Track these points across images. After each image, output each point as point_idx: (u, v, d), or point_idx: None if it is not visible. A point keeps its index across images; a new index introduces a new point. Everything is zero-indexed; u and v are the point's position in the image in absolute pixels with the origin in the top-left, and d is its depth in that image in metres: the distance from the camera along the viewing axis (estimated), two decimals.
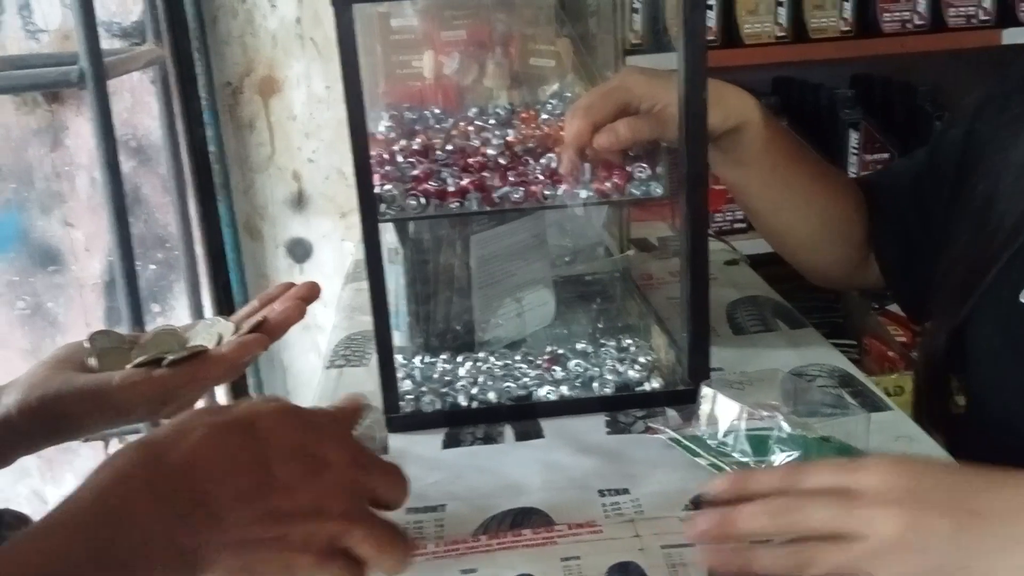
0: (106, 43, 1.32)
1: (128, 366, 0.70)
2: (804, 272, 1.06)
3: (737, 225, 1.76)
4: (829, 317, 1.67)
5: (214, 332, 0.75)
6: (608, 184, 0.83)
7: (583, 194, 0.83)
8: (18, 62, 1.55)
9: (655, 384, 0.88)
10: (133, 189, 1.67)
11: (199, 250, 1.67)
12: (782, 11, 1.66)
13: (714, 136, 0.88)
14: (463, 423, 0.86)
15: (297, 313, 0.77)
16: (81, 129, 1.65)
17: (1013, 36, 1.70)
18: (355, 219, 1.65)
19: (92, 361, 0.72)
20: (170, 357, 0.70)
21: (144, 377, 0.69)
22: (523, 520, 0.71)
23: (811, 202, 0.97)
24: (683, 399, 0.86)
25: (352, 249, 1.57)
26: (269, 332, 0.76)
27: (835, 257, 1.02)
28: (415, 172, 0.85)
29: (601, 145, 0.83)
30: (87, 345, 0.73)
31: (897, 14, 1.70)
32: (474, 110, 1.01)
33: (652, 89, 0.85)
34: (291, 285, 0.81)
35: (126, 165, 1.53)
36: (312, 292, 0.78)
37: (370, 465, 0.56)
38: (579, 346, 0.94)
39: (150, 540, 0.45)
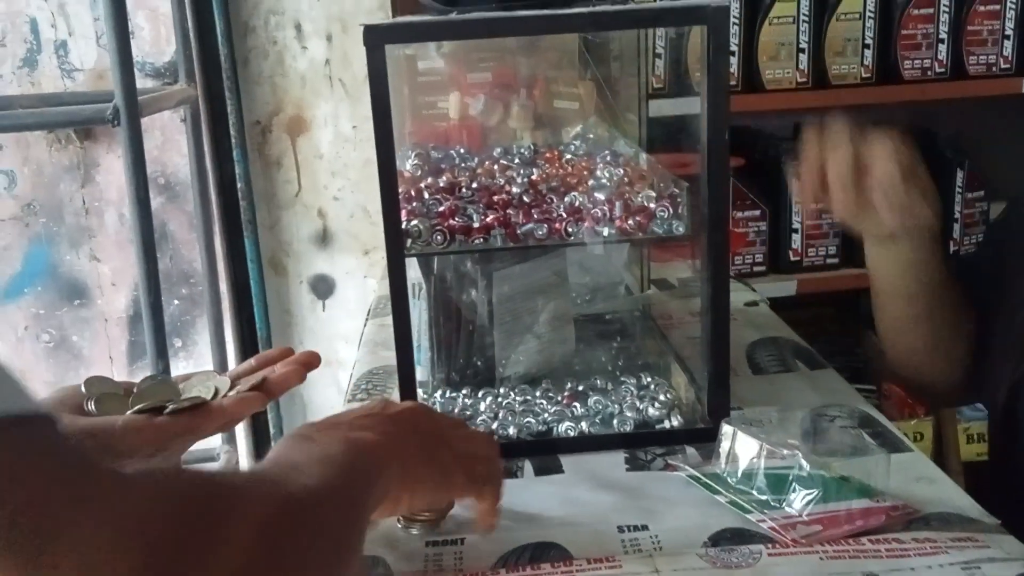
0: (139, 82, 1.35)
1: (129, 412, 0.71)
2: (916, 380, 1.07)
3: (756, 268, 1.76)
4: (849, 362, 1.66)
5: (210, 385, 0.76)
6: (631, 222, 0.84)
7: (606, 232, 0.85)
8: (53, 100, 1.59)
9: (675, 422, 0.88)
10: (160, 225, 1.70)
11: (223, 286, 1.68)
12: (803, 57, 1.68)
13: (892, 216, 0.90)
14: None
15: (297, 378, 0.79)
16: (112, 166, 1.69)
17: None
18: (378, 256, 1.68)
19: (91, 405, 0.73)
20: (172, 406, 0.72)
21: (147, 423, 0.71)
22: (542, 554, 0.71)
23: (941, 314, 0.98)
24: (703, 437, 0.86)
25: (375, 286, 1.59)
26: (268, 391, 0.77)
27: (955, 374, 1.01)
28: (441, 208, 0.86)
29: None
30: (84, 390, 0.74)
31: (918, 61, 1.72)
32: (498, 150, 1.03)
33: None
34: (291, 351, 0.83)
35: (154, 201, 1.55)
36: (313, 360, 0.80)
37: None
38: (599, 383, 0.95)
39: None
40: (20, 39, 1.62)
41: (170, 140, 1.69)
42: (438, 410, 0.76)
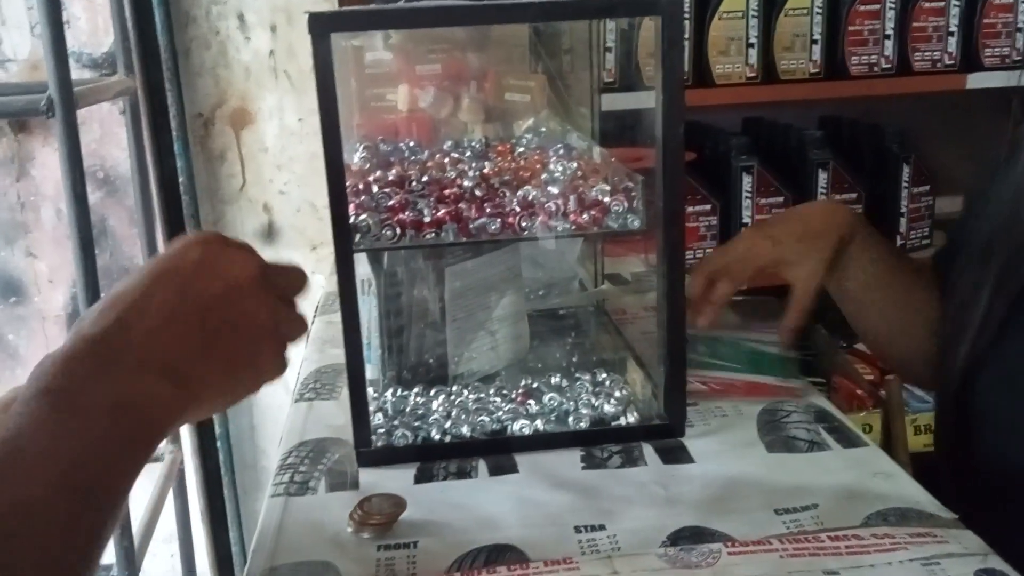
0: (76, 73, 1.30)
1: None
2: (895, 370, 1.11)
3: None
4: (798, 354, 1.67)
5: None
6: (585, 217, 0.83)
7: (560, 227, 0.83)
8: None
9: (631, 419, 0.87)
10: (99, 221, 1.65)
11: None
12: (752, 52, 1.68)
13: (826, 258, 0.96)
14: (436, 457, 0.84)
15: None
16: (48, 159, 1.63)
17: (977, 81, 1.73)
18: (326, 252, 1.65)
19: None
20: None
21: None
22: (497, 557, 0.69)
23: (896, 303, 1.00)
24: (660, 434, 0.85)
25: (323, 282, 1.55)
26: None
27: (925, 349, 0.99)
28: (390, 203, 0.84)
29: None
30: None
31: (865, 57, 1.73)
32: (449, 143, 1.01)
33: (790, 267, 0.97)
34: None
35: (93, 196, 1.50)
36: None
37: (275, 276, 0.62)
38: (554, 380, 0.93)
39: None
40: None
41: (109, 133, 1.64)
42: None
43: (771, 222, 1.07)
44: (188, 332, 0.52)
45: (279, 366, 0.61)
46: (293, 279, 0.64)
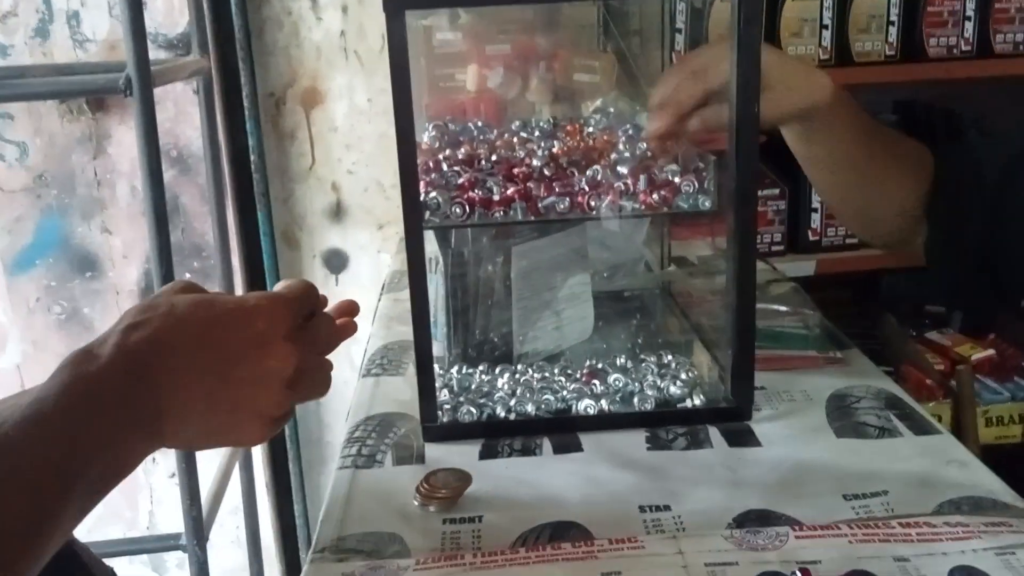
0: (152, 54, 1.33)
1: None
2: (863, 235, 1.05)
3: (775, 248, 1.74)
4: (866, 343, 1.64)
5: None
6: (655, 197, 0.82)
7: (629, 207, 0.82)
8: (65, 70, 1.56)
9: (697, 401, 0.86)
10: (172, 198, 1.68)
11: (235, 259, 1.67)
12: (826, 34, 1.65)
13: (785, 120, 0.89)
14: (501, 434, 0.85)
15: (350, 331, 0.68)
16: (124, 138, 1.67)
17: None
18: (392, 231, 1.66)
19: None
20: None
21: None
22: (562, 533, 0.69)
23: (880, 176, 0.95)
24: (726, 417, 0.85)
25: (389, 261, 1.57)
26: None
27: (898, 224, 0.98)
28: (460, 181, 0.84)
29: (695, 133, 0.85)
30: None
31: (943, 39, 1.68)
32: (517, 123, 1.01)
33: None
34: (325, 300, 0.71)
35: (166, 174, 1.53)
36: (355, 307, 0.69)
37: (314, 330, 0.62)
38: (619, 361, 0.93)
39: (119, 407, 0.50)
40: (32, 8, 1.60)
41: (183, 112, 1.67)
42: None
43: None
44: (209, 384, 0.54)
45: (279, 414, 0.59)
46: (330, 337, 0.64)
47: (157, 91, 1.31)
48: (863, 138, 0.92)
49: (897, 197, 0.95)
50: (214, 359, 0.54)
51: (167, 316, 0.54)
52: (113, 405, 0.50)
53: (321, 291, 0.64)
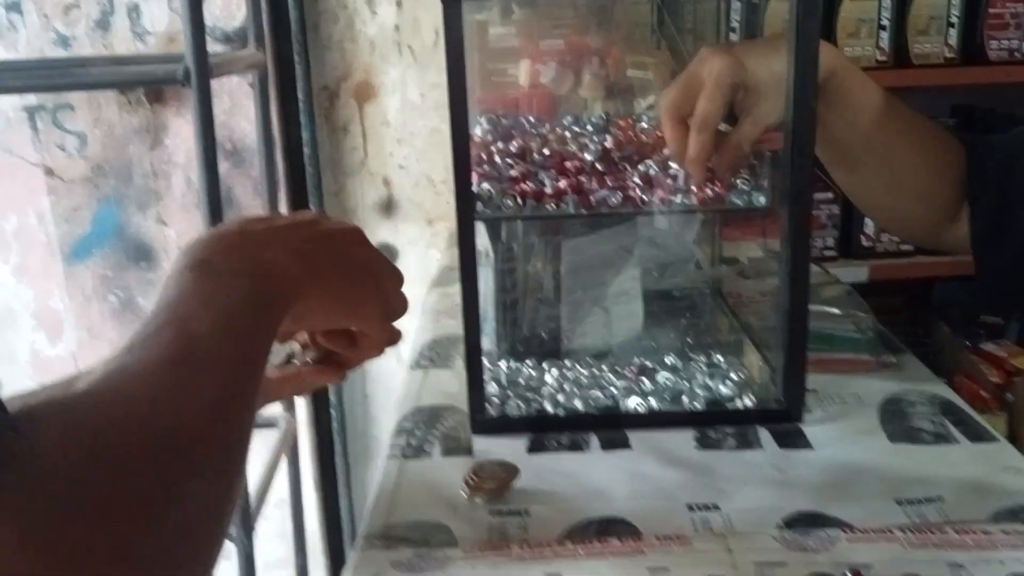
0: (209, 47, 1.35)
1: (274, 364, 0.69)
2: (883, 225, 1.01)
3: (827, 252, 1.72)
4: (919, 353, 1.62)
5: (282, 350, 0.74)
6: (709, 192, 0.81)
7: (683, 202, 0.82)
8: (125, 61, 1.60)
9: (747, 402, 0.85)
10: (226, 190, 1.70)
11: None
12: (884, 35, 1.62)
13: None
14: (548, 429, 0.85)
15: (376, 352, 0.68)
16: (180, 129, 1.70)
17: None
18: (442, 226, 1.67)
19: None
20: (306, 359, 0.69)
21: (290, 373, 0.67)
22: (608, 529, 0.69)
23: (901, 161, 0.90)
24: (777, 418, 0.84)
25: (438, 256, 1.58)
26: (344, 362, 0.68)
27: (924, 215, 0.93)
28: (512, 173, 0.84)
29: (729, 164, 0.81)
30: None
31: (1004, 42, 1.64)
32: (569, 118, 1.01)
33: (756, 77, 0.81)
34: None
35: (221, 166, 1.55)
36: (396, 337, 0.68)
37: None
38: (668, 359, 0.93)
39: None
40: (94, 1, 1.64)
41: (238, 105, 1.69)
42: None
43: (733, 46, 0.89)
44: (317, 239, 0.57)
45: (402, 299, 0.63)
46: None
47: (213, 84, 1.33)
48: (879, 116, 0.86)
49: (923, 184, 0.90)
50: (320, 231, 0.57)
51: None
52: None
53: None
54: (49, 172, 1.71)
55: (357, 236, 0.61)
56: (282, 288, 0.52)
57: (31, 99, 1.67)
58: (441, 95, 1.65)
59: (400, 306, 0.63)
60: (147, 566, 0.36)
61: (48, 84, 1.52)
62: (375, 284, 0.60)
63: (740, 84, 0.80)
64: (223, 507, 0.43)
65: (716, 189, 0.81)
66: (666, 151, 0.86)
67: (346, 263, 0.58)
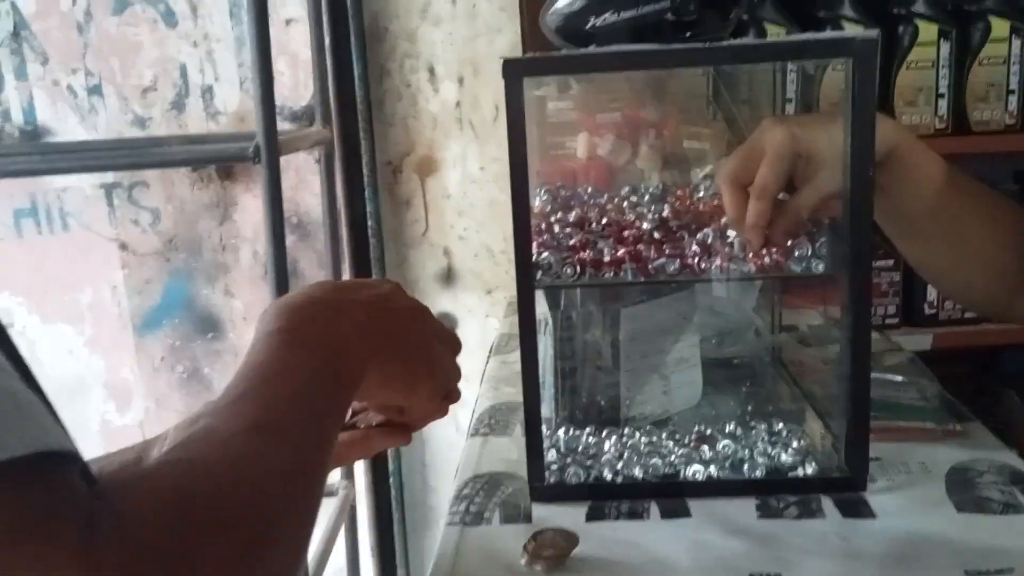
0: (278, 126, 1.41)
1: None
2: (953, 298, 1.00)
3: (889, 320, 1.69)
4: (987, 423, 1.58)
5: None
6: (767, 260, 0.82)
7: (741, 269, 0.82)
8: (198, 139, 1.67)
9: (809, 470, 0.84)
10: (291, 263, 1.75)
11: None
12: (942, 103, 1.62)
13: None
14: (608, 497, 0.84)
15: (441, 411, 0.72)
16: (248, 204, 1.76)
17: None
18: (500, 295, 1.69)
19: None
20: (371, 421, 0.71)
21: (358, 436, 0.71)
22: None
23: (968, 234, 0.89)
24: (840, 486, 0.82)
25: (497, 325, 1.59)
26: (411, 424, 0.72)
27: (994, 288, 0.92)
28: (571, 242, 0.86)
29: (786, 231, 0.82)
30: None
31: None
32: (627, 189, 1.02)
33: (815, 147, 0.82)
34: None
35: (287, 240, 1.60)
36: (456, 397, 0.72)
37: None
38: (728, 427, 0.92)
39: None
40: (170, 84, 1.72)
41: (304, 181, 1.75)
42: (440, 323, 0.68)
43: (793, 117, 0.93)
44: (381, 316, 0.61)
45: (455, 372, 0.68)
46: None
47: (281, 160, 1.38)
48: (943, 188, 0.86)
49: (990, 256, 0.89)
50: (384, 306, 0.62)
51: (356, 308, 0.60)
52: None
53: None
54: (123, 246, 1.78)
55: (421, 317, 0.65)
56: (351, 365, 0.56)
57: (108, 177, 1.75)
58: (500, 168, 1.69)
59: (452, 379, 0.68)
60: None
61: (125, 163, 1.60)
62: (429, 369, 0.64)
63: (800, 154, 0.81)
64: (297, 566, 0.44)
65: (774, 256, 0.82)
66: (724, 220, 0.87)
67: (406, 345, 0.62)
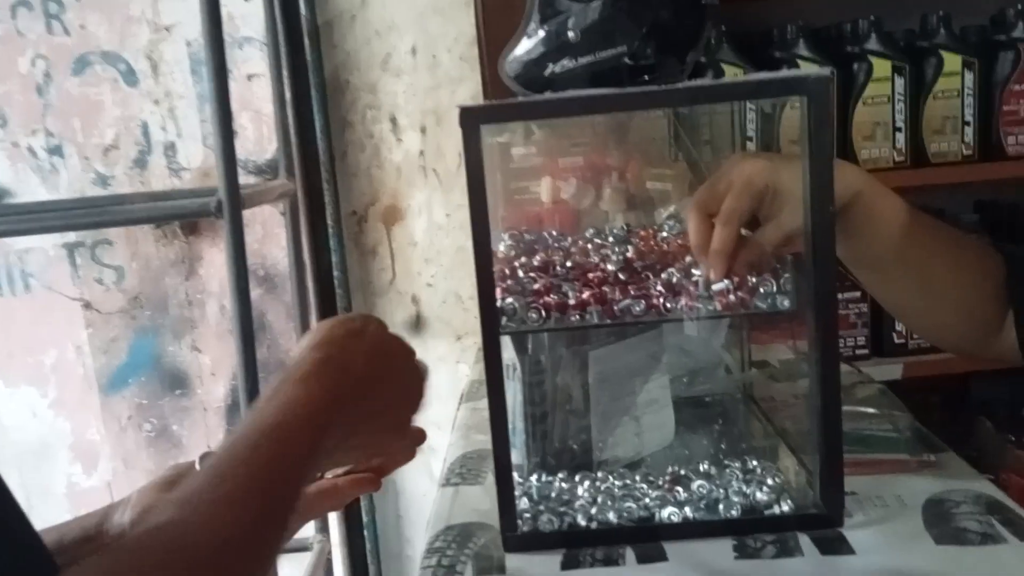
0: (241, 179, 1.40)
1: None
2: (930, 340, 1.00)
3: (859, 351, 1.70)
4: (960, 450, 1.58)
5: None
6: (732, 298, 0.82)
7: (708, 308, 0.82)
8: (161, 196, 1.66)
9: (785, 507, 0.84)
10: (258, 316, 1.74)
11: None
12: (900, 136, 1.65)
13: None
14: (582, 544, 0.83)
15: (409, 455, 0.75)
16: (214, 259, 1.74)
17: None
18: (470, 342, 1.68)
19: None
20: (338, 471, 0.72)
21: (326, 486, 0.73)
22: None
23: (936, 276, 0.90)
24: (816, 523, 0.82)
25: (467, 371, 1.58)
26: (379, 470, 0.75)
27: (965, 329, 0.93)
28: (536, 286, 0.86)
29: (748, 262, 0.83)
30: (198, 466, 0.74)
31: (1022, 137, 1.66)
32: (591, 231, 1.02)
33: (782, 184, 0.83)
34: None
35: (253, 293, 1.59)
36: (421, 436, 0.75)
37: None
38: (702, 467, 0.91)
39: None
40: (132, 141, 1.71)
41: (270, 234, 1.74)
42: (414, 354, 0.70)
43: (763, 153, 0.97)
44: (368, 370, 0.63)
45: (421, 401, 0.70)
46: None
47: (246, 214, 1.37)
48: (910, 232, 0.87)
49: (961, 297, 0.90)
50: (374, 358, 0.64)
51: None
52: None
53: None
54: (87, 306, 1.76)
55: (396, 357, 0.67)
56: (343, 412, 0.59)
57: (71, 236, 1.73)
58: (466, 215, 1.68)
59: (418, 410, 0.69)
60: None
61: (87, 222, 1.58)
62: (395, 420, 0.67)
63: (768, 187, 0.82)
64: None
65: (740, 294, 0.82)
66: (688, 259, 0.87)
67: (400, 391, 0.65)
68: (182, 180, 1.73)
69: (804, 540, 0.80)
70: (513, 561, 0.81)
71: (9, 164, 1.70)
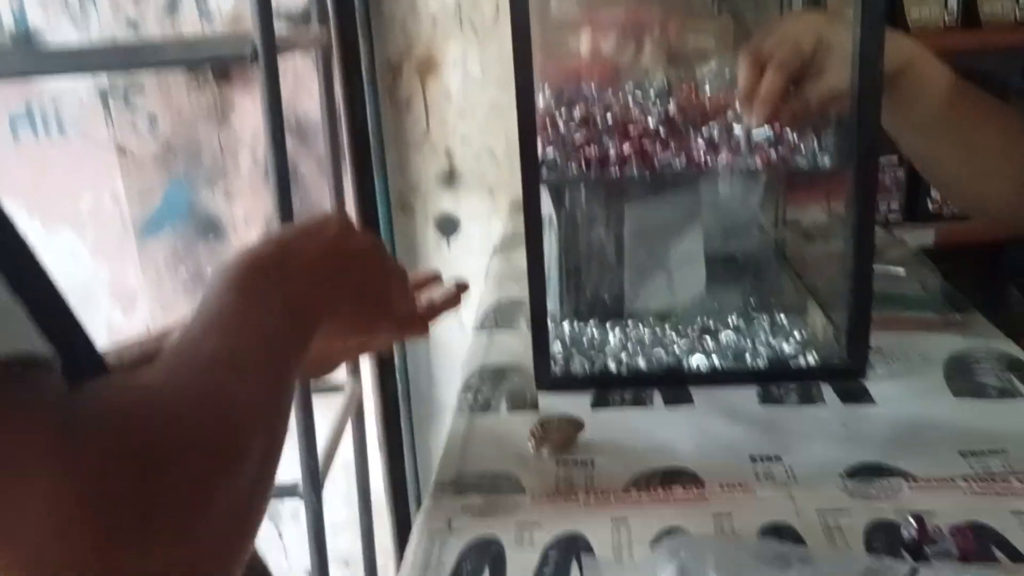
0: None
1: None
2: (970, 210, 1.01)
3: (891, 216, 1.70)
4: (988, 317, 1.59)
5: None
6: (773, 154, 0.82)
7: (747, 164, 0.83)
8: (194, 42, 1.64)
9: (810, 359, 0.86)
10: (291, 167, 1.73)
11: None
12: None
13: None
14: (612, 386, 0.86)
15: (455, 301, 0.77)
16: (246, 108, 1.74)
17: None
18: (502, 196, 1.69)
19: None
20: None
21: None
22: (673, 478, 0.71)
23: (983, 144, 0.91)
24: (840, 375, 0.84)
25: (499, 225, 1.60)
26: (428, 314, 0.75)
27: (1009, 196, 0.93)
28: (576, 139, 0.86)
29: (793, 116, 0.83)
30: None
31: None
32: (631, 86, 1.02)
33: (835, 40, 0.82)
34: (438, 275, 0.80)
35: (287, 143, 1.59)
36: (464, 284, 0.78)
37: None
38: (731, 320, 0.94)
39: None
40: None
41: (302, 84, 1.73)
42: (390, 254, 0.69)
43: (822, 10, 1.00)
44: (333, 264, 0.61)
45: (410, 304, 0.70)
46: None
47: (279, 62, 1.36)
48: (955, 102, 0.88)
49: (1000, 164, 0.91)
50: (337, 252, 0.62)
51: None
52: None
53: (433, 255, 0.71)
54: (122, 151, 1.77)
55: (373, 254, 0.65)
56: (306, 318, 0.57)
57: (103, 82, 1.73)
58: (501, 69, 1.67)
59: (405, 309, 0.69)
60: (201, 538, 0.39)
61: (119, 63, 1.57)
62: (386, 307, 0.66)
63: (820, 43, 0.82)
64: (263, 492, 0.46)
65: (780, 150, 0.82)
66: (729, 114, 0.87)
67: (361, 287, 0.63)
68: (212, 26, 1.71)
69: (827, 390, 0.83)
70: (545, 400, 0.85)
71: (40, 7, 1.69)
